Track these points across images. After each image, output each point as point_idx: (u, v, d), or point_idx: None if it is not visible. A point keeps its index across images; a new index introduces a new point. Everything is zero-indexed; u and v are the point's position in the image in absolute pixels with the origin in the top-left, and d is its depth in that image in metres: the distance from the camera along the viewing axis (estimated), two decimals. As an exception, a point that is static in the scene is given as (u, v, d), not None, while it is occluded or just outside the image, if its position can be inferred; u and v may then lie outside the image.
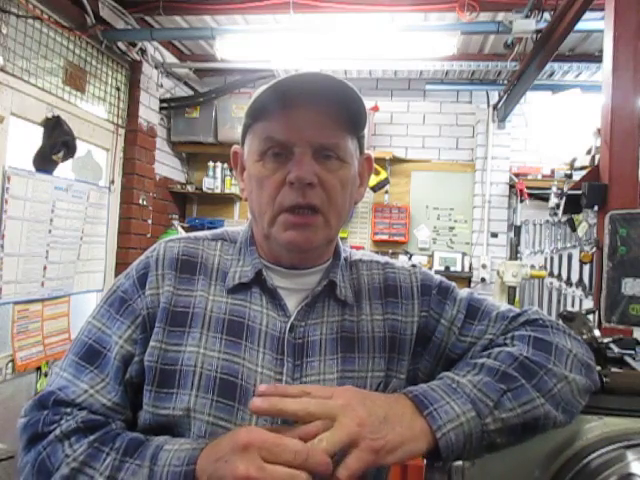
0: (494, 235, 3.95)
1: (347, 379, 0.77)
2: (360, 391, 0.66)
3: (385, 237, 4.06)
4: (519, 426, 0.67)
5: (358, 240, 4.11)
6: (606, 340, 0.97)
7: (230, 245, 0.85)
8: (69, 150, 2.67)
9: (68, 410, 0.73)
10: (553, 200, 2.93)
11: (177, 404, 0.72)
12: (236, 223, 4.17)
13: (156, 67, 3.56)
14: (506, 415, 0.66)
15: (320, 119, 0.74)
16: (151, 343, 0.75)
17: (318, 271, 0.82)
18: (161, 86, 3.70)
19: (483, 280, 3.86)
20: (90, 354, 0.77)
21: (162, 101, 3.77)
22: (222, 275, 0.81)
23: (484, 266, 3.87)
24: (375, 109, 3.99)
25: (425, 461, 0.80)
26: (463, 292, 0.87)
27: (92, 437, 0.70)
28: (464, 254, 3.97)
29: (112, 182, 3.25)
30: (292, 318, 0.78)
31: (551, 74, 3.70)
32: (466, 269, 3.94)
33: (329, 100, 0.73)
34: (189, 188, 4.13)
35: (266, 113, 0.74)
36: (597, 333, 0.83)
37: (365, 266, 0.88)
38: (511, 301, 3.20)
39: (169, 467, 0.64)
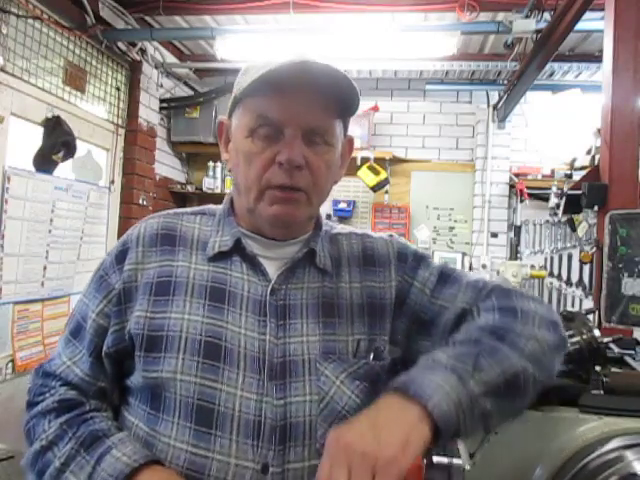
0: (494, 235, 3.95)
1: (329, 342, 0.79)
2: (344, 427, 0.63)
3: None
4: (502, 385, 0.67)
5: (358, 240, 4.11)
6: (606, 340, 0.97)
7: (210, 218, 0.89)
8: (69, 150, 2.67)
9: (52, 384, 0.81)
10: (553, 200, 2.92)
11: (165, 367, 0.75)
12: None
13: (156, 67, 3.56)
14: (487, 376, 0.67)
15: (312, 103, 0.77)
16: (136, 313, 0.78)
17: (298, 242, 0.85)
18: (161, 86, 3.70)
19: (483, 280, 3.86)
20: (76, 329, 0.84)
21: (162, 101, 3.77)
22: (202, 245, 0.84)
23: (484, 266, 3.87)
24: (375, 109, 3.99)
25: (425, 460, 0.80)
26: (437, 262, 0.91)
27: (64, 418, 0.77)
28: (464, 254, 3.96)
29: (112, 182, 3.24)
30: (273, 282, 0.80)
31: (551, 74, 3.70)
32: (466, 269, 3.94)
33: (321, 85, 0.76)
34: (189, 188, 4.13)
35: (259, 91, 0.76)
36: (597, 333, 0.83)
37: (344, 238, 0.91)
38: (511, 301, 3.19)
39: (104, 474, 0.70)
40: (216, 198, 4.12)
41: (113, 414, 0.83)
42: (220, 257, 0.82)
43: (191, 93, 4.11)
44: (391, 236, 0.93)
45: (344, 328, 0.81)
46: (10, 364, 2.45)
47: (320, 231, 0.87)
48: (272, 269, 0.82)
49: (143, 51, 3.40)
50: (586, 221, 1.92)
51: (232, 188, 0.90)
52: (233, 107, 0.83)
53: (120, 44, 3.19)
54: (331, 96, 0.77)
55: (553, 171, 3.80)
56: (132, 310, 0.79)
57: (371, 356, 0.79)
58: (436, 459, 0.86)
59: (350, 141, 0.89)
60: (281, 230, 0.82)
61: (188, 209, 0.92)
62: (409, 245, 0.92)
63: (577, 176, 3.38)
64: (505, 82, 3.74)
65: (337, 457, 0.59)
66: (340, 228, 0.93)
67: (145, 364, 0.76)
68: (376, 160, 3.80)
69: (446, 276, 0.87)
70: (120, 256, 0.83)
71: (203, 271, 0.81)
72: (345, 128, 0.85)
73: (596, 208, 1.78)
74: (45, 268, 2.65)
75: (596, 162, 1.98)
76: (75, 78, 2.90)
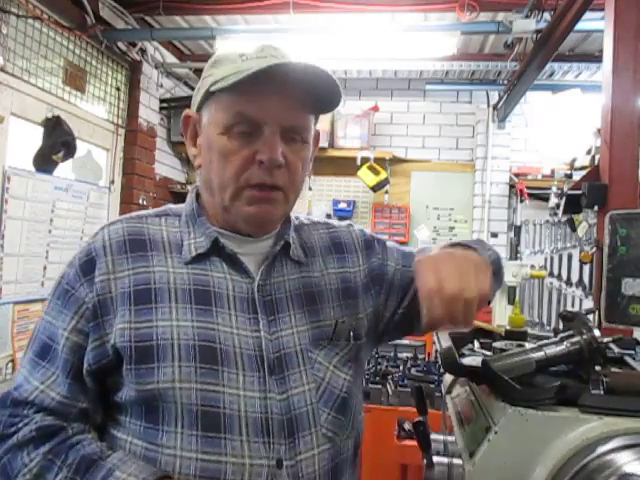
0: (494, 235, 3.94)
1: (316, 329, 0.82)
2: (426, 254, 0.76)
3: (385, 237, 4.05)
4: (495, 264, 0.87)
5: (358, 240, 4.11)
6: (606, 340, 0.96)
7: (175, 219, 0.86)
8: (69, 150, 2.67)
9: (24, 412, 0.75)
10: (553, 200, 2.92)
11: (161, 377, 0.72)
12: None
13: (156, 67, 3.56)
14: (490, 252, 0.88)
15: (291, 101, 0.76)
16: (119, 325, 0.74)
17: (270, 236, 0.86)
18: (161, 86, 3.70)
19: (483, 280, 3.85)
20: (43, 350, 0.78)
21: (162, 101, 3.76)
22: (176, 248, 0.81)
23: (484, 266, 3.86)
24: (375, 109, 3.99)
25: (425, 461, 0.80)
26: (387, 241, 1.03)
27: (47, 447, 0.72)
28: (464, 254, 3.96)
29: (112, 182, 3.24)
30: (257, 279, 0.80)
31: (551, 74, 3.70)
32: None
33: (300, 83, 0.75)
34: (189, 188, 4.11)
35: (235, 87, 0.73)
36: (597, 333, 0.83)
37: (310, 228, 0.94)
38: (511, 301, 3.19)
39: None
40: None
41: (97, 435, 0.78)
42: (197, 259, 0.80)
43: (191, 93, 4.09)
44: (350, 225, 1.00)
45: (328, 313, 0.84)
46: (10, 364, 2.45)
47: (290, 224, 0.89)
48: (251, 265, 0.82)
49: (143, 51, 3.39)
50: (586, 221, 1.92)
51: (200, 185, 0.87)
52: (204, 100, 0.80)
53: (120, 44, 3.19)
54: (309, 93, 0.77)
55: (553, 171, 3.80)
56: (112, 323, 0.75)
57: (351, 335, 0.84)
58: (436, 459, 0.85)
59: (318, 134, 0.89)
60: (257, 228, 0.83)
61: (150, 211, 0.88)
62: (366, 231, 1.01)
63: (577, 176, 3.38)
64: (505, 82, 3.74)
65: (441, 261, 0.70)
66: (303, 218, 0.96)
67: (137, 377, 0.73)
68: (376, 160, 3.80)
69: (402, 249, 1.01)
70: (86, 267, 0.78)
71: (183, 274, 0.78)
72: (316, 121, 0.85)
73: (596, 208, 1.77)
74: (45, 268, 2.65)
75: (596, 162, 1.98)
76: (75, 78, 2.90)
